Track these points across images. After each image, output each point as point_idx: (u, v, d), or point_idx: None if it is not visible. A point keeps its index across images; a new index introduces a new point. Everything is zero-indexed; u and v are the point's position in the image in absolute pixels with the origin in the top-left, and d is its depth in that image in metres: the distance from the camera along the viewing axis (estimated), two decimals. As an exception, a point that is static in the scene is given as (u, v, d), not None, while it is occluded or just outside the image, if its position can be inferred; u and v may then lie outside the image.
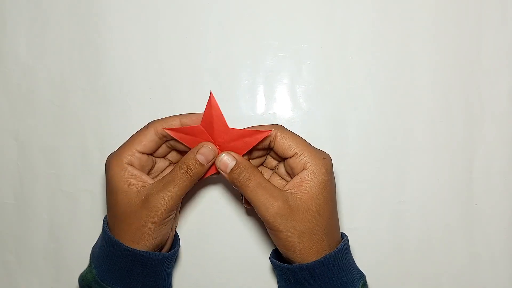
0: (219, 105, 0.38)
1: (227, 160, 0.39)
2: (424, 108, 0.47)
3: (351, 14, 0.46)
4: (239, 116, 0.47)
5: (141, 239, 0.39)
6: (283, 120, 0.47)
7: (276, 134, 0.39)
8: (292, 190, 0.38)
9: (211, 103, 0.38)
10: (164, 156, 0.43)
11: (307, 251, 0.38)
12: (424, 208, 0.47)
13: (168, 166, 0.44)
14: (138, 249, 0.39)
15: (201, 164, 0.39)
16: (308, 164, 0.38)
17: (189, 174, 0.39)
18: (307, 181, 0.38)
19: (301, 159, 0.38)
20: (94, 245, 0.43)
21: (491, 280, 0.47)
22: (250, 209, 0.44)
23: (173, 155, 0.43)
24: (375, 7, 0.46)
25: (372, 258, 0.47)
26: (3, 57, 0.49)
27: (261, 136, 0.38)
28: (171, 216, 0.40)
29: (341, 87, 0.47)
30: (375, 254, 0.47)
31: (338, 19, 0.46)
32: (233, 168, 0.39)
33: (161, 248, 0.42)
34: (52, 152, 0.49)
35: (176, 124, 0.41)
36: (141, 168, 0.41)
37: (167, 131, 0.39)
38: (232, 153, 0.39)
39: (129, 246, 0.39)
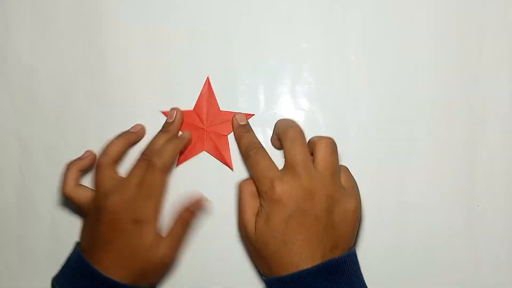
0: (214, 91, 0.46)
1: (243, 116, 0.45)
2: (426, 109, 0.46)
3: (352, 14, 0.46)
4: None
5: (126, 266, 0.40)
6: (283, 120, 0.47)
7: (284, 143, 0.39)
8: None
9: (207, 87, 0.46)
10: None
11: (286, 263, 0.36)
12: (426, 209, 0.46)
13: None
14: (121, 282, 0.39)
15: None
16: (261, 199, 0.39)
17: (149, 163, 0.42)
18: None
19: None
20: (56, 276, 0.42)
21: (493, 281, 0.46)
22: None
23: None
24: (376, 7, 0.46)
25: (373, 260, 0.46)
26: (6, 57, 0.49)
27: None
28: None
29: (341, 87, 0.47)
30: (376, 256, 0.46)
31: (338, 19, 0.46)
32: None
33: None
34: (54, 152, 0.49)
35: (125, 149, 0.45)
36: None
37: (163, 113, 0.46)
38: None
39: (112, 278, 0.39)
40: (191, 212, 0.44)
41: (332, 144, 0.39)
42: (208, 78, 0.46)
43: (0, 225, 0.51)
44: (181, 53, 0.47)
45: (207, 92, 0.46)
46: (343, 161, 0.46)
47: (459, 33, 0.46)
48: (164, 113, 0.47)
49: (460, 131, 0.46)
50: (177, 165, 0.46)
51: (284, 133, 0.39)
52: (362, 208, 0.40)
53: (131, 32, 0.48)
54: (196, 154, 0.46)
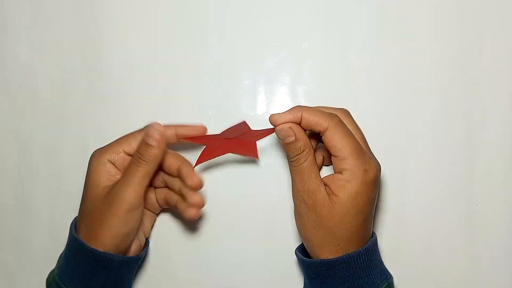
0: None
1: (289, 132, 0.39)
2: (425, 109, 0.46)
3: (352, 14, 0.46)
4: (239, 116, 0.47)
5: (101, 236, 0.38)
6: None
7: (326, 128, 0.38)
8: (327, 184, 0.39)
9: (244, 126, 0.42)
10: None
11: (318, 247, 0.39)
12: (425, 209, 0.47)
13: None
14: (98, 250, 0.38)
15: (149, 145, 0.39)
16: (345, 172, 0.38)
17: (142, 159, 0.38)
18: (339, 186, 0.38)
19: (341, 164, 0.38)
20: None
21: (492, 281, 0.46)
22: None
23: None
24: (376, 7, 0.46)
25: (373, 259, 0.46)
26: (4, 57, 0.49)
27: (270, 132, 0.41)
28: (133, 212, 0.39)
29: (341, 87, 0.47)
30: (376, 255, 0.47)
31: (339, 19, 0.46)
32: (293, 141, 0.39)
33: (124, 252, 0.41)
34: (52, 152, 0.49)
35: (171, 132, 0.41)
36: (121, 168, 0.41)
37: (187, 140, 0.42)
38: (293, 127, 0.39)
39: (90, 246, 0.38)
40: (142, 142, 0.40)
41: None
42: (245, 122, 0.42)
43: (-2, 226, 0.51)
44: (181, 53, 0.47)
45: (241, 128, 0.42)
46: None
47: (459, 33, 0.46)
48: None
49: (460, 131, 0.46)
50: (196, 164, 0.42)
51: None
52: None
53: (130, 32, 0.47)
54: (220, 154, 0.42)
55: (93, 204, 0.39)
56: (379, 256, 0.41)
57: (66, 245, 0.42)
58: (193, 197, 0.40)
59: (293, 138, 0.38)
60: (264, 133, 0.41)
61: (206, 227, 0.48)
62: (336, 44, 0.47)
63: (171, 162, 0.41)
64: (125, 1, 0.47)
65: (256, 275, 0.47)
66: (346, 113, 0.41)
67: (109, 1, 0.47)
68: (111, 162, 0.40)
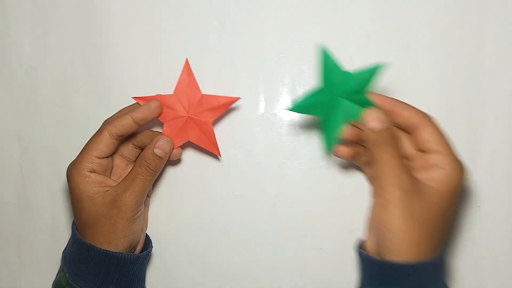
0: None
1: (379, 117, 0.37)
2: (426, 109, 0.46)
3: (353, 14, 0.46)
4: (239, 116, 0.47)
5: (114, 239, 0.40)
6: (284, 121, 0.47)
7: (424, 125, 0.38)
8: (421, 178, 0.37)
9: (187, 70, 0.43)
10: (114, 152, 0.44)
11: (404, 241, 0.35)
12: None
13: (127, 164, 0.45)
14: (111, 250, 0.40)
15: (159, 158, 0.41)
16: (448, 167, 0.36)
17: (150, 168, 0.41)
18: (441, 180, 0.36)
19: (440, 159, 0.37)
20: (65, 249, 0.43)
21: (494, 282, 0.46)
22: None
23: (128, 150, 0.45)
24: (377, 7, 0.46)
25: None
26: (6, 57, 0.49)
27: (231, 102, 0.43)
28: (139, 213, 0.42)
29: (342, 87, 0.46)
30: (376, 256, 0.46)
31: (339, 19, 0.46)
32: (384, 130, 0.37)
33: (133, 249, 0.43)
34: (54, 152, 0.49)
35: (128, 122, 0.41)
36: (103, 172, 0.42)
37: (137, 99, 0.42)
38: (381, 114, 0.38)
39: (103, 248, 0.40)
40: (150, 152, 0.42)
41: None
42: (187, 60, 0.43)
43: (0, 225, 0.51)
44: (181, 54, 0.47)
45: (187, 77, 0.43)
46: (343, 162, 0.46)
47: (459, 33, 0.46)
48: (138, 99, 0.43)
49: (461, 131, 0.46)
50: None
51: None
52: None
53: (132, 33, 0.48)
54: (180, 144, 0.44)
55: (98, 213, 0.40)
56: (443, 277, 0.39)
57: (71, 251, 0.42)
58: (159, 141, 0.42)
59: (384, 124, 0.37)
60: (221, 105, 0.42)
61: (206, 227, 0.48)
62: (336, 44, 0.46)
63: (142, 139, 0.44)
64: (126, 2, 0.48)
65: (256, 275, 0.47)
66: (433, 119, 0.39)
67: (110, 1, 0.48)
68: (92, 171, 0.41)
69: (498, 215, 0.46)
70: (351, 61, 0.46)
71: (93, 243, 0.40)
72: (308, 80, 0.46)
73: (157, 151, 0.41)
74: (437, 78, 0.46)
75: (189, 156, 0.47)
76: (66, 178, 0.42)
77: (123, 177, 0.42)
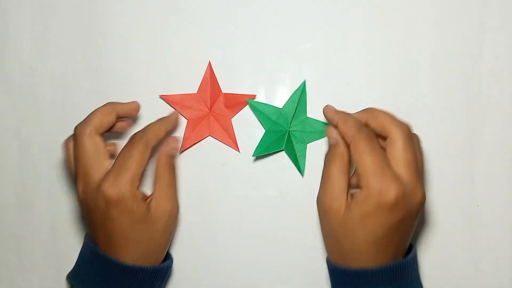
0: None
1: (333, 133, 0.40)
2: (426, 109, 0.46)
3: (353, 14, 0.46)
4: (239, 116, 0.47)
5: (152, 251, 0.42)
6: (283, 120, 0.47)
7: (351, 141, 0.37)
8: (352, 197, 0.38)
9: (209, 72, 0.46)
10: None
11: (329, 252, 0.41)
12: (426, 209, 0.46)
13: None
14: (128, 263, 0.40)
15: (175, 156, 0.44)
16: (363, 189, 0.36)
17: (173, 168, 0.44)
18: (355, 202, 0.37)
19: (360, 180, 0.36)
20: (73, 273, 0.42)
21: (493, 282, 0.46)
22: None
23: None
24: (377, 8, 0.46)
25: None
26: (6, 57, 0.49)
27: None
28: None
29: (342, 88, 0.47)
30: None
31: (339, 19, 0.46)
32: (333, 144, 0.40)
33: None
34: (54, 152, 0.49)
35: (163, 135, 0.43)
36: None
37: (163, 97, 0.46)
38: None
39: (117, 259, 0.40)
40: (168, 154, 0.43)
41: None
42: (209, 62, 0.46)
43: (-1, 225, 0.51)
44: (181, 54, 0.47)
45: (209, 77, 0.46)
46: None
47: (459, 33, 0.46)
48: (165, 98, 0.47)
49: (461, 131, 0.46)
50: (181, 151, 0.47)
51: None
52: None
53: (131, 32, 0.48)
54: (202, 139, 0.47)
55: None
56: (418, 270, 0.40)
57: (86, 262, 0.41)
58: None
59: (333, 141, 0.40)
60: (240, 103, 0.46)
61: (206, 227, 0.48)
62: (336, 45, 0.47)
63: (122, 125, 0.45)
64: (126, 1, 0.48)
65: (256, 275, 0.47)
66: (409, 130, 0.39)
67: (110, 1, 0.48)
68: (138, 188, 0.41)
69: (496, 215, 0.46)
70: (351, 61, 0.46)
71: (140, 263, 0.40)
72: (308, 80, 0.46)
73: (172, 152, 0.43)
74: (437, 79, 0.46)
75: (189, 156, 0.47)
76: (76, 182, 0.41)
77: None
